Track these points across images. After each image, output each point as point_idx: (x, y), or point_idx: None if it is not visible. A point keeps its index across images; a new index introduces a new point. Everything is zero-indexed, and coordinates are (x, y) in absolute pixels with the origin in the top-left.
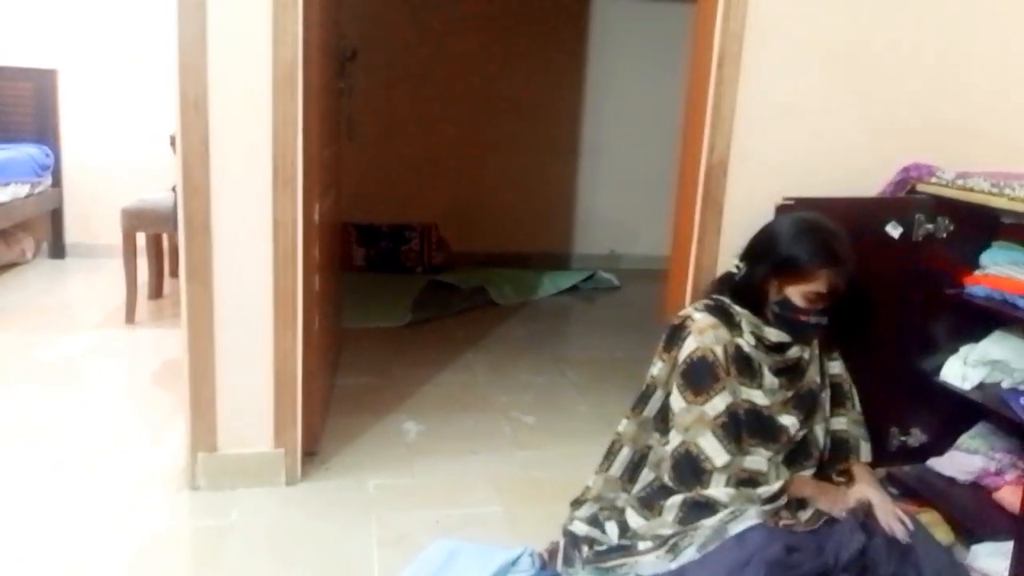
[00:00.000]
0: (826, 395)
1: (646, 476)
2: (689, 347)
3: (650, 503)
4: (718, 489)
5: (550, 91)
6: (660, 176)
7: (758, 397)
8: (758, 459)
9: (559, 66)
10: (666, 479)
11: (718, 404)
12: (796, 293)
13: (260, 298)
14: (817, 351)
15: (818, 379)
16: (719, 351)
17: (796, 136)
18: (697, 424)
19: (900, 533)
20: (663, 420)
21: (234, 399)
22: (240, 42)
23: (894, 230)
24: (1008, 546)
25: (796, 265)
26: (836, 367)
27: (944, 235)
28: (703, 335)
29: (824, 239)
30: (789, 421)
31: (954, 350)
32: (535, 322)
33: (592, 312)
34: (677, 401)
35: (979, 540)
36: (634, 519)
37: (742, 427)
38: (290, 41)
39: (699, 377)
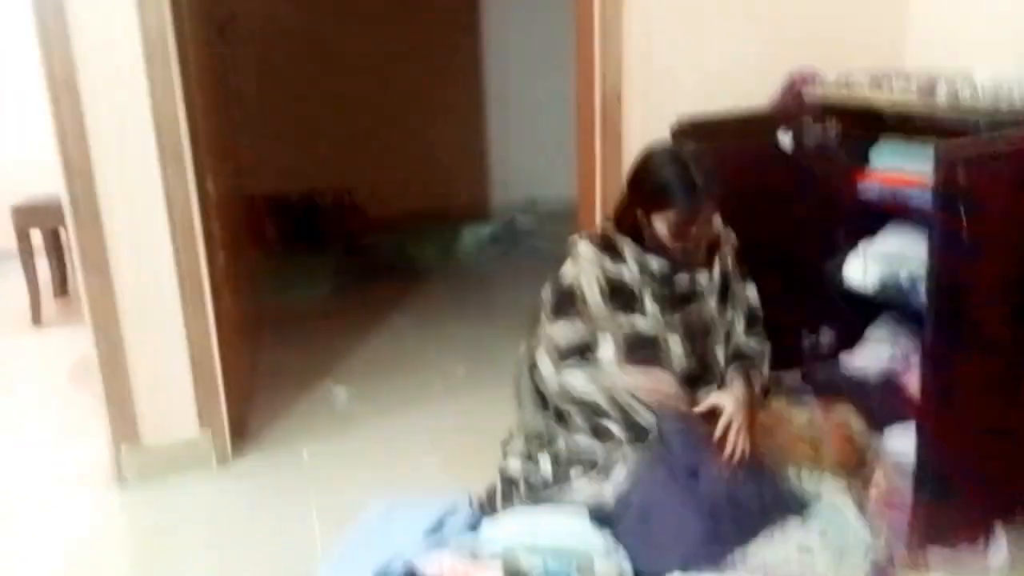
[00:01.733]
0: (725, 320)
1: None
2: (563, 272)
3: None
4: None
5: (448, 41)
6: (570, 116)
7: (641, 322)
8: (585, 382)
9: (455, 14)
10: None
11: (564, 330)
12: (659, 222)
13: (164, 280)
14: (717, 280)
15: (714, 308)
16: (585, 283)
17: (686, 57)
18: (544, 342)
19: (728, 452)
20: None
21: (151, 387)
22: (103, 11)
23: (785, 138)
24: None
25: (653, 194)
26: (751, 292)
27: (833, 138)
28: (576, 263)
29: (681, 169)
30: (676, 346)
31: (854, 249)
32: (458, 277)
33: (515, 260)
34: (542, 318)
35: (891, 425)
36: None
37: (574, 356)
38: (156, 6)
39: (557, 300)
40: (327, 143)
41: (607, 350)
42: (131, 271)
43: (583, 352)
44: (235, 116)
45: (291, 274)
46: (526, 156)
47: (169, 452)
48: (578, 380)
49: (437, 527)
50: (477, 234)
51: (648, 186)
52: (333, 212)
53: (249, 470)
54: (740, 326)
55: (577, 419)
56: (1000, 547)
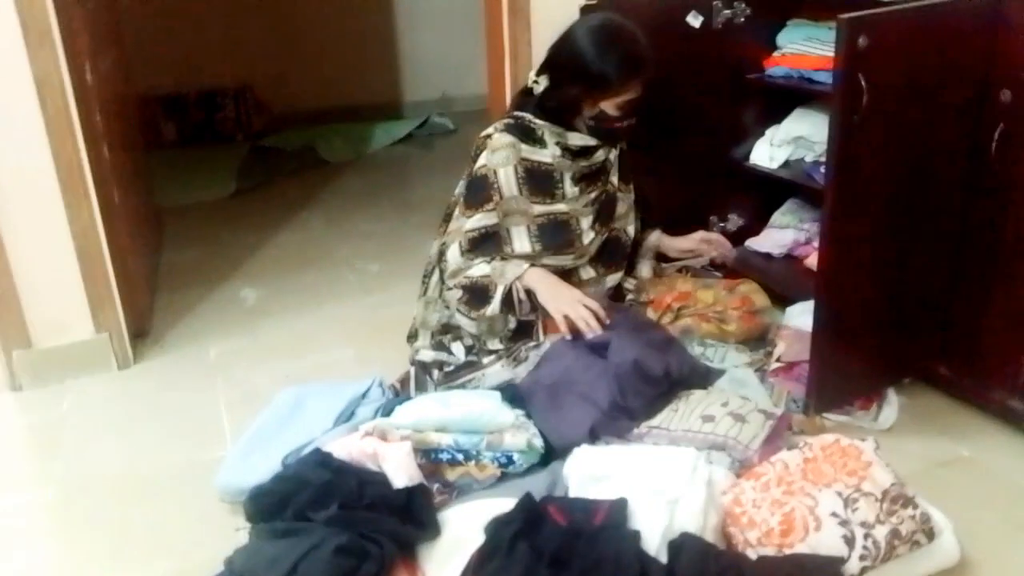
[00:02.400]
0: (627, 196)
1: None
2: (479, 163)
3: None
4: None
5: None
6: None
7: (560, 208)
8: (483, 267)
9: None
10: None
11: (478, 221)
12: (611, 106)
13: (41, 174)
14: (618, 150)
15: (617, 181)
16: (504, 173)
17: None
18: (455, 233)
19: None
20: None
21: (38, 289)
22: None
23: (694, 20)
24: None
25: (609, 82)
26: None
27: (742, 20)
28: (495, 154)
29: (628, 48)
30: (588, 227)
31: (761, 134)
32: (371, 174)
33: (430, 158)
34: (456, 213)
35: (793, 301)
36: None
37: (490, 245)
38: None
39: (475, 192)
40: (225, 38)
41: (521, 244)
42: (4, 165)
43: (493, 242)
44: (117, 6)
45: (192, 175)
46: (439, 52)
47: (64, 356)
48: (481, 269)
49: (348, 413)
50: (390, 132)
51: (597, 72)
52: (234, 110)
53: (153, 370)
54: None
55: (463, 306)
56: (891, 409)
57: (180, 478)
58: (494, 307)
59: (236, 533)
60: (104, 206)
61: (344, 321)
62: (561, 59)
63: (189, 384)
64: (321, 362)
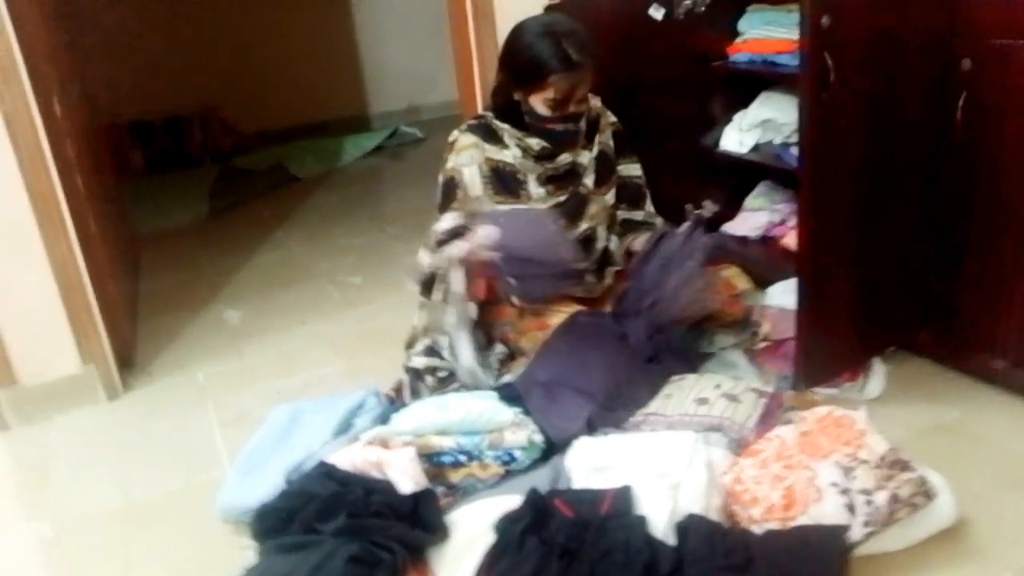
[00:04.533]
0: (603, 199)
1: None
2: (447, 165)
3: None
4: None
5: None
6: (444, 11)
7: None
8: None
9: None
10: None
11: (445, 223)
12: (538, 101)
13: (15, 207)
14: (595, 160)
15: (591, 186)
16: (468, 172)
17: None
18: (429, 236)
19: None
20: None
21: (20, 324)
22: None
23: (656, 12)
24: (795, 281)
25: (529, 73)
26: (635, 169)
27: (703, 9)
28: (459, 155)
29: (554, 43)
30: None
31: (729, 120)
32: (345, 188)
33: (402, 168)
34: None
35: (773, 281)
36: None
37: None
38: None
39: (444, 195)
40: (185, 61)
41: None
42: None
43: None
44: (79, 38)
45: (163, 200)
46: (404, 62)
47: (52, 391)
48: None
49: (346, 425)
50: (359, 145)
51: (522, 64)
52: (201, 133)
53: (143, 399)
54: (608, 200)
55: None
56: (877, 379)
57: (179, 503)
58: (435, 292)
59: (242, 552)
60: (82, 236)
61: (331, 336)
62: (501, 53)
63: (180, 409)
64: (311, 378)
